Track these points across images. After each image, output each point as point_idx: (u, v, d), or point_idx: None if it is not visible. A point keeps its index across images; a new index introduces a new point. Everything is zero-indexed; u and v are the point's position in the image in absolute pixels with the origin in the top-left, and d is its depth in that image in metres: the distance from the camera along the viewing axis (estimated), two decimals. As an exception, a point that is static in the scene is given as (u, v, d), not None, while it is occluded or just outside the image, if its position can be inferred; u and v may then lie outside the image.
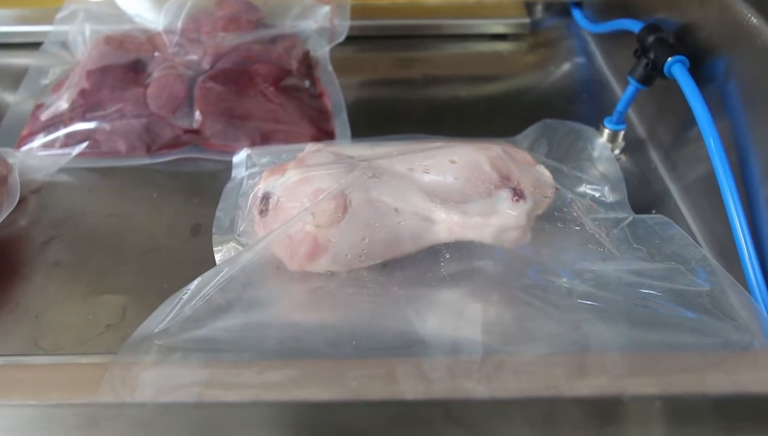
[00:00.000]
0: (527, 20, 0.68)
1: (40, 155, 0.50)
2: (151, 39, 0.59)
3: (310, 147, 0.47)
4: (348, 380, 0.26)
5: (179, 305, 0.32)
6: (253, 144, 0.51)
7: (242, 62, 0.56)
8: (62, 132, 0.52)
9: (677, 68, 0.44)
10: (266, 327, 0.31)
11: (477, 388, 0.25)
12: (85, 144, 0.51)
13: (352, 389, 0.25)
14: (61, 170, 0.51)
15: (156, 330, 0.31)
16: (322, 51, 0.60)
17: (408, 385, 0.25)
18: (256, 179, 0.44)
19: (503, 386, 0.26)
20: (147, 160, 0.52)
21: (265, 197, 0.42)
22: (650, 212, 0.46)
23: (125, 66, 0.56)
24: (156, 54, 0.58)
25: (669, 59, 0.44)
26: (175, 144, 0.52)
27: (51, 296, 0.41)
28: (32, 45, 0.67)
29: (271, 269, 0.38)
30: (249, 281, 0.34)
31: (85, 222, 0.47)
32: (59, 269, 0.43)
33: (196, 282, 0.34)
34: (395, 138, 0.49)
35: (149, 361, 0.29)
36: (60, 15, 0.63)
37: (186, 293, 0.33)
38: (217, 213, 0.44)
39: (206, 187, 0.49)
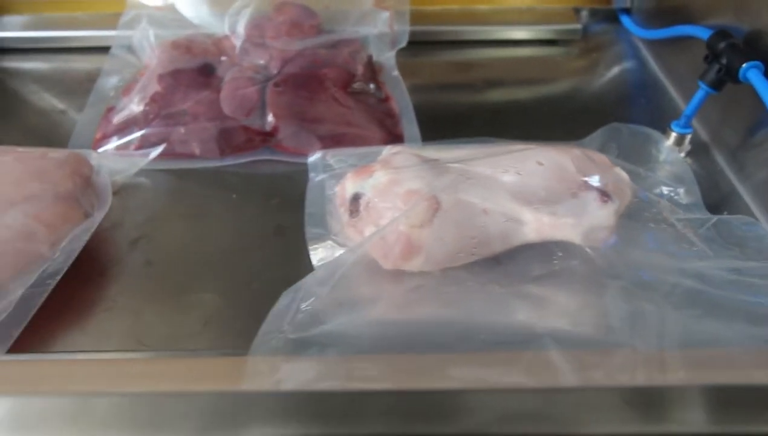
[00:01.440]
0: (578, 26, 0.69)
1: (119, 157, 0.51)
2: (216, 43, 0.60)
3: (390, 149, 0.48)
4: (496, 370, 0.27)
5: (297, 302, 0.33)
6: (324, 147, 0.52)
7: (310, 66, 0.57)
8: (137, 135, 0.53)
9: (753, 73, 0.45)
10: (387, 323, 0.32)
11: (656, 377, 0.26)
12: (162, 146, 0.52)
13: (503, 377, 0.26)
14: (137, 173, 0.51)
15: (285, 326, 0.32)
16: (384, 56, 0.61)
17: (562, 374, 0.26)
18: (341, 180, 0.45)
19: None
20: (220, 163, 0.53)
21: (355, 198, 0.43)
22: (722, 213, 0.47)
23: (195, 70, 0.57)
24: (223, 58, 0.59)
25: (744, 64, 0.45)
26: (247, 147, 0.53)
27: (146, 295, 0.42)
28: (91, 49, 0.68)
29: (372, 267, 0.39)
30: (359, 279, 0.35)
31: (168, 223, 0.48)
32: (150, 268, 0.44)
33: (309, 281, 0.35)
34: (466, 141, 0.50)
35: (288, 354, 0.30)
36: (123, 20, 0.64)
37: (299, 291, 0.34)
38: (307, 214, 0.44)
39: (284, 189, 0.50)
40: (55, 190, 0.43)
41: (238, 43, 0.60)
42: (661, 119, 0.55)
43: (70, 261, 0.39)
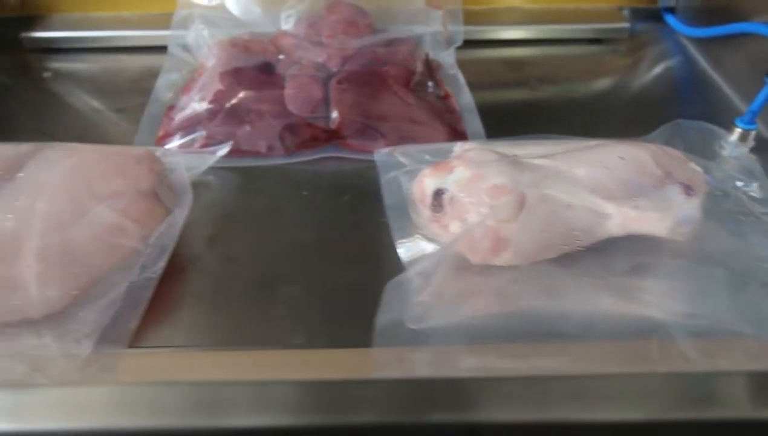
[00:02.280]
0: (626, 25, 0.69)
1: (188, 155, 0.51)
2: (273, 42, 0.61)
3: (462, 146, 0.48)
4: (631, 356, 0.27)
5: (408, 295, 0.33)
6: (388, 144, 0.52)
7: (370, 64, 0.57)
8: (201, 133, 0.53)
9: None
10: (500, 315, 0.33)
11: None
12: (229, 144, 0.52)
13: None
14: (204, 170, 0.51)
15: (403, 318, 0.32)
16: (440, 54, 0.61)
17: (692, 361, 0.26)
18: (418, 177, 0.46)
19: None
20: (286, 160, 0.53)
21: (438, 193, 0.43)
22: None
23: (256, 68, 0.57)
24: (281, 57, 0.59)
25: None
26: (312, 144, 0.53)
27: (230, 290, 0.42)
28: (138, 49, 0.68)
29: (460, 262, 0.39)
30: (456, 273, 0.36)
31: (242, 219, 0.48)
32: (231, 264, 0.44)
33: (413, 274, 0.35)
34: (531, 138, 0.50)
35: (415, 345, 0.30)
36: (176, 19, 0.64)
37: (405, 284, 0.34)
38: (388, 210, 0.45)
39: (354, 185, 0.50)
40: (137, 186, 0.43)
41: (295, 41, 0.60)
42: (715, 116, 0.55)
43: (167, 255, 0.39)
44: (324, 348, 0.37)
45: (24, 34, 0.68)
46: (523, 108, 0.60)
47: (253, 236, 0.46)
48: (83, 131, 0.57)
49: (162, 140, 0.54)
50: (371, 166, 0.51)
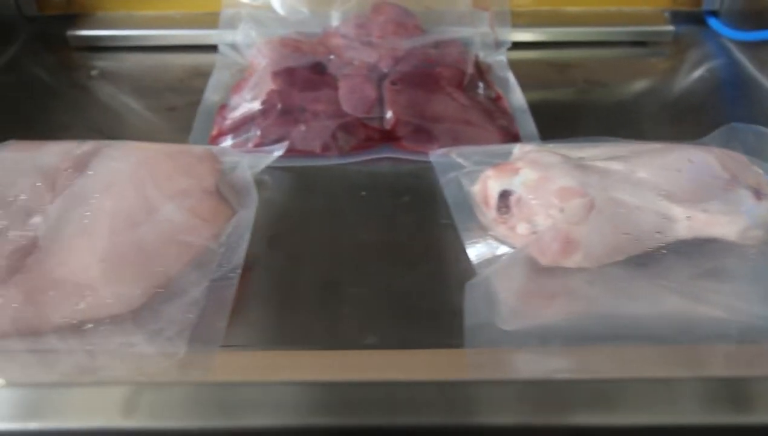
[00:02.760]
0: (671, 28, 0.69)
1: (245, 154, 0.51)
2: (323, 42, 0.61)
3: (522, 147, 0.48)
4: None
5: (491, 295, 0.33)
6: (442, 145, 0.52)
7: (422, 65, 0.57)
8: (255, 132, 0.53)
9: None
10: (589, 316, 0.33)
11: None
12: (286, 143, 0.52)
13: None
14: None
15: (495, 319, 0.32)
16: (490, 56, 0.61)
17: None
18: (481, 178, 0.46)
19: None
20: (340, 160, 0.53)
21: (504, 195, 0.43)
22: None
23: (308, 68, 0.57)
24: (331, 57, 0.59)
25: None
26: (367, 144, 0.53)
27: (297, 289, 0.42)
28: (181, 48, 0.69)
29: (530, 263, 0.39)
30: (531, 274, 0.36)
31: (302, 219, 0.48)
32: (296, 264, 0.44)
33: (493, 275, 0.35)
34: (588, 140, 0.50)
35: (509, 346, 0.30)
36: (223, 18, 0.64)
37: (485, 284, 0.34)
38: (453, 212, 0.45)
39: (412, 186, 0.50)
40: (202, 185, 0.44)
41: (344, 42, 0.60)
42: (762, 119, 0.55)
43: (242, 254, 0.39)
44: (399, 349, 0.37)
45: (70, 33, 0.68)
46: (571, 110, 0.60)
47: (315, 235, 0.46)
48: (136, 130, 0.57)
49: (215, 139, 0.54)
50: (426, 167, 0.51)
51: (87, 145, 0.46)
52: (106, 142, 0.48)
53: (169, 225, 0.40)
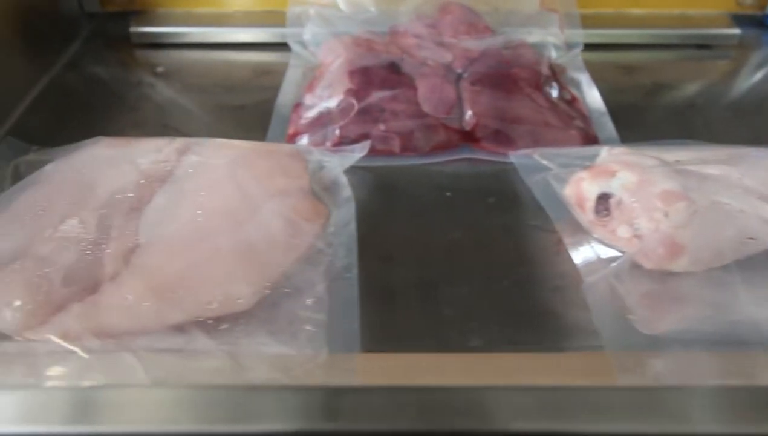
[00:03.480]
0: (737, 31, 0.69)
1: (328, 153, 0.51)
2: (394, 41, 0.60)
3: (610, 150, 0.48)
4: None
5: (616, 298, 0.33)
6: (522, 146, 0.52)
7: (498, 66, 0.57)
8: (334, 131, 0.53)
9: None
10: (719, 321, 0.32)
11: None
12: (368, 143, 0.51)
13: None
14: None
15: (631, 322, 0.32)
16: (562, 58, 0.61)
17: None
18: (573, 180, 0.45)
19: None
20: (420, 161, 0.52)
21: (603, 198, 0.43)
22: None
23: (384, 67, 0.57)
24: (404, 56, 0.58)
25: None
26: (446, 145, 0.53)
27: (394, 290, 0.42)
28: (243, 46, 0.68)
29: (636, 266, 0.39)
30: (643, 277, 0.36)
31: (390, 219, 0.47)
32: (390, 265, 0.43)
33: (612, 278, 0.35)
34: (670, 143, 0.50)
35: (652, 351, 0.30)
36: (290, 16, 0.64)
37: (600, 285, 0.34)
38: (551, 214, 0.44)
39: (496, 187, 0.50)
40: (298, 184, 0.43)
41: (416, 41, 0.60)
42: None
43: (355, 254, 0.39)
44: (511, 351, 0.37)
45: (133, 29, 0.68)
46: (643, 112, 0.60)
47: (405, 236, 0.46)
48: (208, 127, 0.57)
49: (292, 138, 0.54)
50: (507, 168, 0.51)
51: (178, 142, 0.46)
52: (195, 139, 0.47)
53: (274, 224, 0.39)
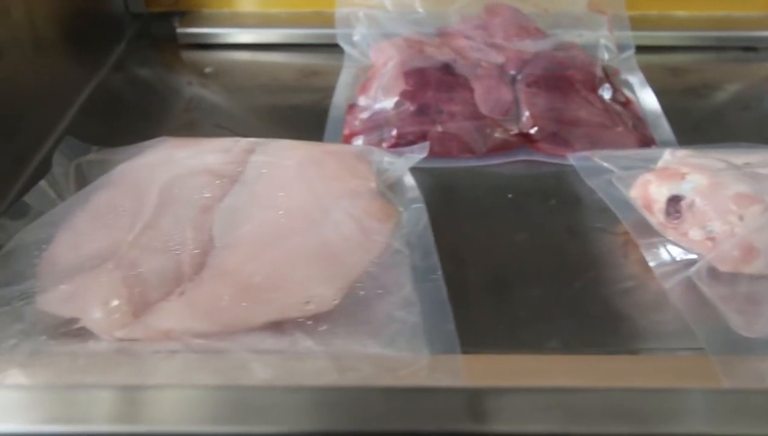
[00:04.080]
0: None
1: (388, 154, 0.51)
2: (446, 43, 0.60)
3: (673, 152, 0.48)
4: None
5: (699, 301, 0.33)
6: (579, 148, 0.52)
7: (552, 68, 0.57)
8: (390, 132, 0.53)
9: None
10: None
11: None
12: (426, 144, 0.51)
13: None
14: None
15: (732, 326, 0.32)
16: (613, 60, 0.61)
17: None
18: (640, 182, 0.45)
19: None
20: (477, 162, 0.52)
21: (674, 200, 0.43)
22: None
23: (438, 69, 0.57)
24: (457, 58, 0.58)
25: None
26: (504, 146, 0.53)
27: (466, 292, 0.41)
28: (291, 46, 0.69)
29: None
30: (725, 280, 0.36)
31: (455, 221, 0.47)
32: (461, 266, 0.43)
33: (695, 278, 0.35)
34: (731, 146, 0.50)
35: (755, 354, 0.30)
36: (338, 17, 0.64)
37: (687, 289, 0.34)
38: (621, 217, 0.44)
39: (557, 189, 0.50)
40: (368, 185, 0.43)
41: (468, 43, 0.60)
42: None
43: (435, 255, 0.39)
44: (591, 354, 0.37)
45: (180, 30, 0.68)
46: (696, 114, 0.60)
47: (472, 237, 0.46)
48: (263, 128, 0.57)
49: (348, 139, 0.54)
50: (564, 170, 0.51)
51: (243, 143, 0.46)
52: (259, 140, 0.48)
53: (348, 224, 0.40)
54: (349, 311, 0.33)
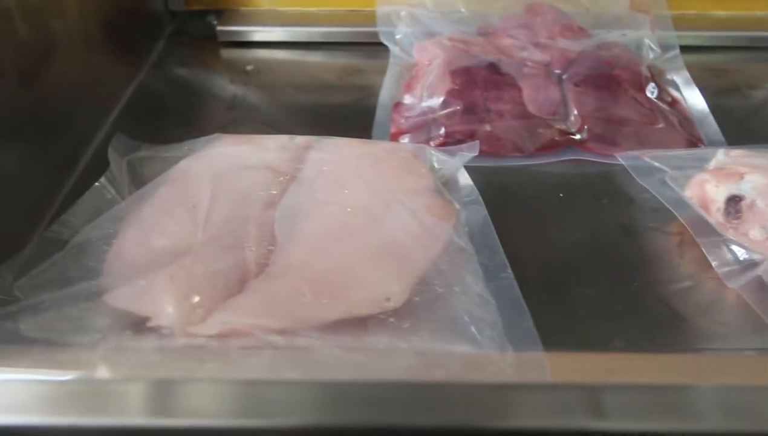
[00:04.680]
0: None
1: (440, 153, 0.51)
2: (490, 41, 0.60)
3: (727, 152, 0.48)
4: None
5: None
6: (628, 148, 0.52)
7: (599, 67, 0.57)
8: (438, 131, 0.53)
9: None
10: None
11: None
12: (476, 143, 0.51)
13: None
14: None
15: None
16: (657, 60, 0.61)
17: None
18: (695, 182, 0.45)
19: None
20: (526, 161, 0.52)
21: (734, 200, 0.43)
22: None
23: (484, 67, 0.57)
24: (502, 57, 0.58)
25: None
26: (552, 146, 0.53)
27: (527, 290, 0.41)
28: (330, 44, 0.69)
29: None
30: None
31: (506, 219, 0.46)
32: (517, 265, 0.43)
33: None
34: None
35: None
36: (379, 15, 0.64)
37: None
38: (681, 217, 0.44)
39: (607, 189, 0.50)
40: (425, 182, 0.44)
41: (513, 42, 0.60)
42: None
43: (502, 254, 0.39)
44: (659, 352, 0.37)
45: (221, 28, 0.68)
46: (739, 114, 0.59)
47: (526, 236, 0.46)
48: (308, 126, 0.57)
49: (395, 137, 0.54)
50: (614, 169, 0.51)
51: (299, 140, 0.47)
52: (314, 137, 0.48)
53: (410, 222, 0.40)
54: (429, 307, 0.33)
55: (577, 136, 0.53)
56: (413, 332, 0.31)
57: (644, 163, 0.50)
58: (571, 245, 0.45)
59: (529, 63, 0.57)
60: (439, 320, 0.32)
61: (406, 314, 0.32)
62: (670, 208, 0.45)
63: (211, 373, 0.29)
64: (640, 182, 0.49)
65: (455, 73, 0.56)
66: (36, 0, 0.45)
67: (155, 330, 0.31)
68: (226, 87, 0.63)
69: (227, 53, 0.68)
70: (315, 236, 0.39)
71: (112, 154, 0.48)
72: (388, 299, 0.35)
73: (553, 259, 0.44)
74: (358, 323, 0.32)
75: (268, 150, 0.45)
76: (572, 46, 0.59)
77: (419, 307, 0.33)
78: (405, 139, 0.54)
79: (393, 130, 0.55)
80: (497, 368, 0.28)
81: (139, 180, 0.47)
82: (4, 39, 0.42)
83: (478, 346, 0.31)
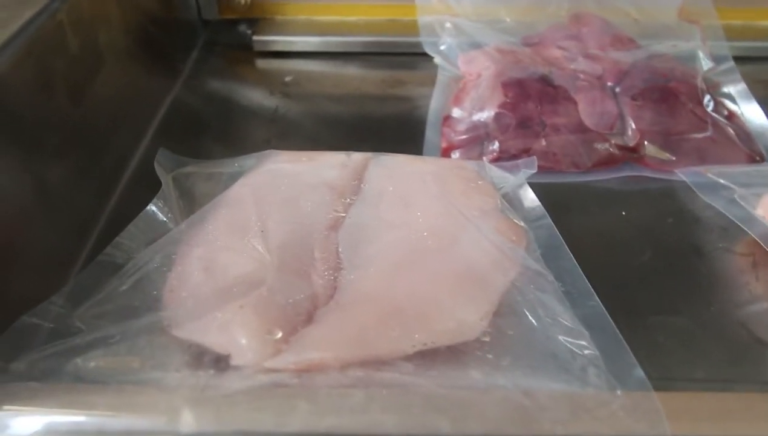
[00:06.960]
0: None
1: (502, 171, 0.49)
2: (538, 52, 0.59)
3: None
4: None
5: None
6: (687, 164, 0.50)
7: (653, 79, 0.55)
8: (492, 146, 0.51)
9: None
10: None
11: None
12: (534, 159, 0.49)
13: None
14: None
15: None
16: (710, 71, 0.59)
17: None
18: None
19: None
20: (582, 178, 0.51)
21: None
22: None
23: (537, 80, 0.55)
24: (552, 69, 0.57)
25: None
26: (609, 161, 0.51)
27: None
28: (367, 54, 0.67)
29: None
30: None
31: (571, 239, 0.44)
32: (592, 287, 0.42)
33: None
34: None
35: None
36: (422, 26, 0.63)
37: None
38: (755, 236, 0.43)
39: (670, 206, 0.48)
40: (492, 202, 0.42)
41: (562, 53, 0.58)
42: None
43: (585, 280, 0.37)
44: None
45: (257, 38, 0.66)
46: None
47: (593, 257, 0.43)
48: (357, 140, 0.55)
49: (446, 153, 0.52)
50: (674, 186, 0.50)
51: (356, 157, 0.45)
52: (370, 154, 0.46)
53: (483, 244, 0.38)
54: (525, 341, 0.31)
55: (635, 151, 0.51)
56: (512, 369, 0.29)
57: (708, 180, 0.48)
58: (642, 267, 0.43)
59: (581, 75, 0.56)
60: (538, 355, 0.30)
61: (501, 348, 0.31)
62: (744, 227, 0.44)
63: (305, 418, 0.27)
64: (705, 199, 0.47)
65: (507, 86, 0.54)
66: (86, 12, 0.43)
67: (236, 367, 0.29)
68: (266, 99, 0.61)
69: (263, 63, 0.66)
70: (384, 260, 0.37)
71: (158, 169, 0.46)
72: (470, 328, 0.33)
73: (626, 282, 0.42)
74: (451, 357, 0.30)
75: (327, 167, 0.43)
76: (624, 57, 0.57)
77: (514, 341, 0.31)
78: (456, 155, 0.52)
79: (444, 144, 0.53)
80: (609, 411, 0.26)
81: (188, 196, 0.46)
82: (55, 53, 0.40)
83: (584, 384, 0.29)
